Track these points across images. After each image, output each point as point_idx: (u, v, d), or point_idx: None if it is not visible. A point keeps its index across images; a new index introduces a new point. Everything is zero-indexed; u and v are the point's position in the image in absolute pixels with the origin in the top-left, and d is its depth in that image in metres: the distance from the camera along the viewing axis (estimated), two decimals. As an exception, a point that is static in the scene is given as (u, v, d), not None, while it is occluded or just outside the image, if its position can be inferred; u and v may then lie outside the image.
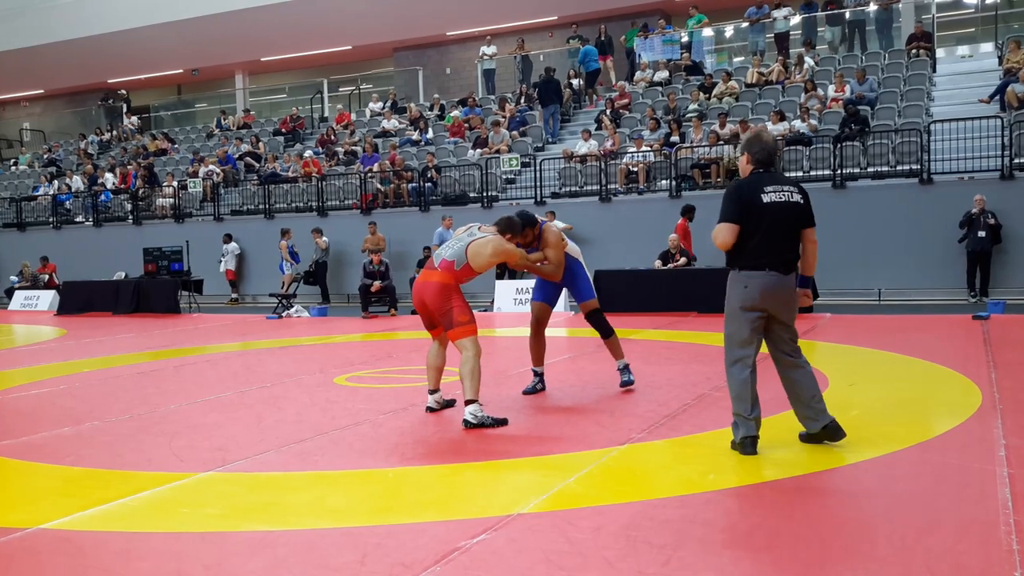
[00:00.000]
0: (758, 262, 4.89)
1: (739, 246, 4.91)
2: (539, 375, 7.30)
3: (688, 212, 14.95)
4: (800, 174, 15.84)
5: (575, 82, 22.22)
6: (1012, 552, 3.47)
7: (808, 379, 5.04)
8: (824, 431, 5.07)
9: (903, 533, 3.73)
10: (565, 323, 13.01)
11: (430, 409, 6.57)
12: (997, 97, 16.12)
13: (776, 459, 4.94)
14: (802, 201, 4.97)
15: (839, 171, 15.23)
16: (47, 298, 20.21)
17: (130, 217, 22.80)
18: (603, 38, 22.41)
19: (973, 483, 4.40)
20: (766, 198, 4.88)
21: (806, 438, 5.18)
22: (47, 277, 21.38)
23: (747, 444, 5.00)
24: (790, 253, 4.97)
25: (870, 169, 15.44)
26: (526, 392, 7.17)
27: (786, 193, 4.93)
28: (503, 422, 6.10)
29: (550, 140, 20.05)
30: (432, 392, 6.60)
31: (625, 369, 7.24)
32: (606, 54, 22.26)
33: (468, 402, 6.05)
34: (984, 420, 5.71)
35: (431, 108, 23.87)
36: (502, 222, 6.54)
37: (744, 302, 4.93)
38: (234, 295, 20.43)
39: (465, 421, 6.01)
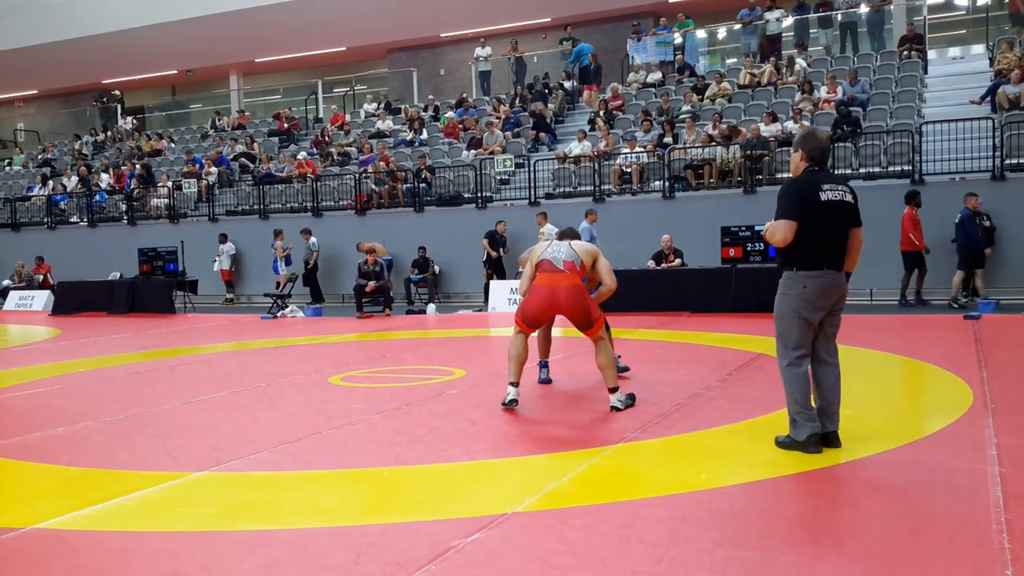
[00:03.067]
0: (815, 261, 4.90)
1: (795, 244, 4.88)
2: (545, 364, 7.70)
3: (913, 199, 13.67)
4: (792, 175, 15.87)
5: (568, 84, 22.25)
6: (1004, 551, 3.50)
7: (830, 380, 5.07)
8: (822, 435, 5.07)
9: (896, 532, 3.76)
10: (557, 323, 13.00)
11: (513, 402, 6.48)
12: (988, 98, 16.19)
13: (767, 459, 4.96)
14: (852, 201, 5.00)
15: (832, 172, 15.24)
16: (42, 298, 20.19)
17: (125, 217, 22.76)
18: (593, 67, 22.27)
19: (965, 482, 4.43)
20: (823, 196, 4.89)
21: None
22: (42, 277, 21.33)
23: (813, 441, 4.97)
24: (841, 252, 4.99)
25: (862, 170, 15.49)
26: (541, 381, 7.58)
27: (840, 192, 4.96)
28: (634, 399, 6.53)
29: (549, 148, 19.95)
30: (514, 385, 6.53)
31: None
32: (591, 83, 21.98)
33: (612, 390, 6.36)
34: (975, 419, 5.74)
35: (425, 109, 23.88)
36: (568, 231, 7.13)
37: (805, 303, 4.92)
38: (229, 295, 20.41)
39: (613, 407, 6.30)
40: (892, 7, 20.41)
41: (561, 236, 6.95)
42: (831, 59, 19.94)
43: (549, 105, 21.21)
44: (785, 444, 5.10)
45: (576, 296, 6.36)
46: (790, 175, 5.22)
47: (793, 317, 4.95)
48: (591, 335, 6.49)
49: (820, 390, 5.08)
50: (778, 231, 4.88)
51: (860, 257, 5.12)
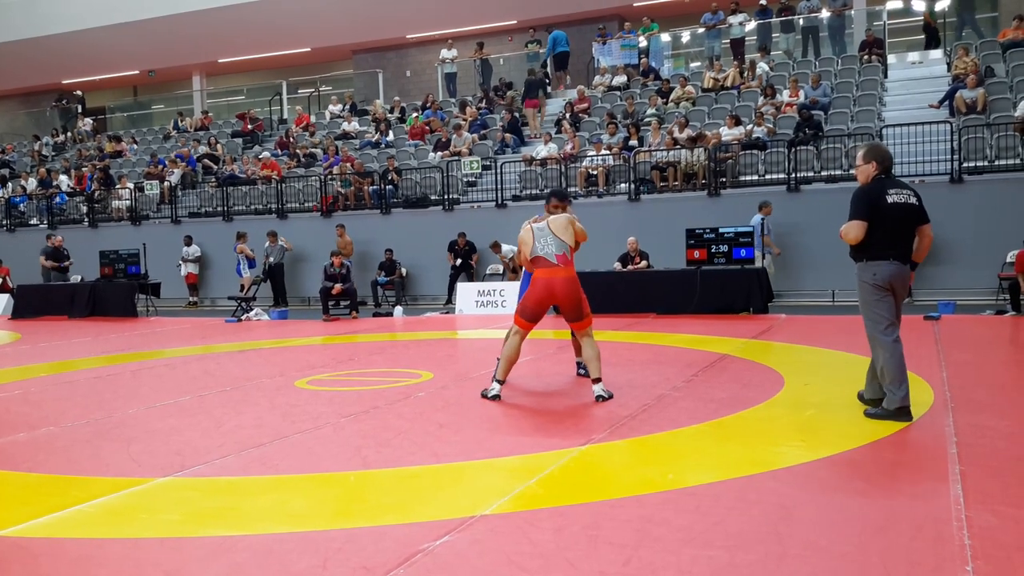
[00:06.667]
0: (883, 253, 5.72)
1: (866, 240, 5.72)
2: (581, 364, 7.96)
3: None
4: (755, 177, 16.06)
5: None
6: (964, 547, 3.56)
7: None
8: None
9: (860, 530, 3.81)
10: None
11: (496, 397, 6.97)
12: (946, 102, 16.47)
13: (733, 459, 5.01)
14: (917, 203, 5.78)
15: (794, 174, 15.45)
16: (1, 302, 19.82)
17: (86, 219, 22.44)
18: (531, 77, 22.42)
19: (926, 480, 4.51)
20: (890, 199, 5.70)
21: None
22: (1, 280, 20.95)
23: (901, 413, 5.74)
24: (907, 246, 5.80)
25: (824, 172, 15.67)
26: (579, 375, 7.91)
27: (904, 195, 5.74)
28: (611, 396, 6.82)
29: (513, 151, 20.00)
30: (500, 383, 7.04)
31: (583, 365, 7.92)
32: (535, 97, 21.93)
33: (596, 380, 6.80)
34: (936, 418, 5.84)
35: (391, 111, 23.81)
36: (558, 192, 7.30)
37: (875, 285, 5.76)
38: (193, 298, 20.19)
39: (599, 396, 6.72)
40: (853, 12, 20.69)
41: (545, 218, 6.93)
42: (793, 63, 20.18)
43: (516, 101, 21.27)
44: (876, 415, 5.82)
45: (572, 287, 6.77)
46: (858, 183, 5.98)
47: (871, 298, 5.79)
48: (579, 328, 6.96)
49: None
50: (851, 230, 5.71)
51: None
